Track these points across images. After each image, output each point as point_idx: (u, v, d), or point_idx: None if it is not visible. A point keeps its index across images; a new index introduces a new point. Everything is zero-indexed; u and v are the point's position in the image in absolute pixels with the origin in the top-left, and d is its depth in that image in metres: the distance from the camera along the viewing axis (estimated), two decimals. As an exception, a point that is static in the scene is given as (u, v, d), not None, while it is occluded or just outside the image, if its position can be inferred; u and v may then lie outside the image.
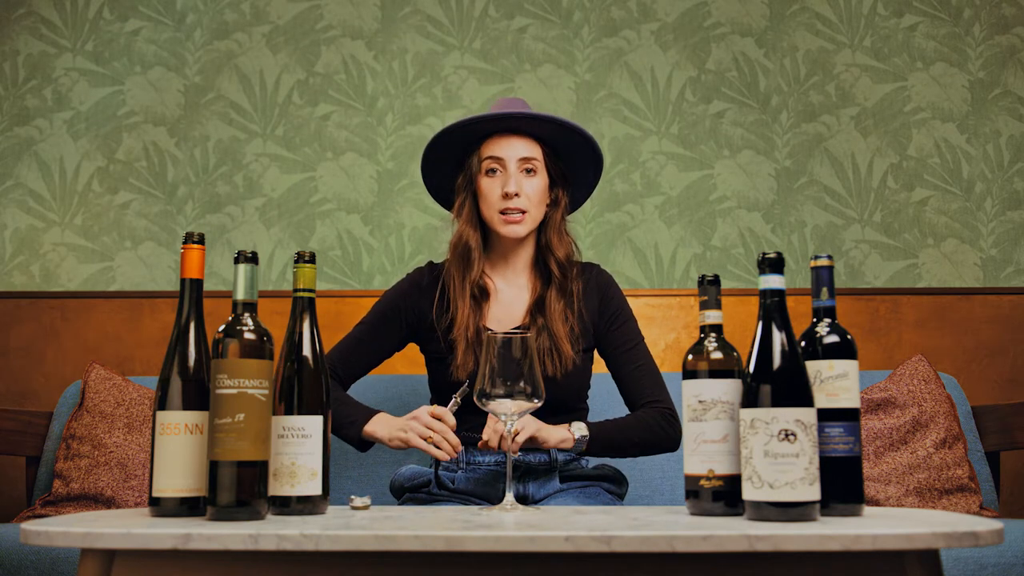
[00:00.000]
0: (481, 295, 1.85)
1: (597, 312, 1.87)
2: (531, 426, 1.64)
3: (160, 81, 2.98)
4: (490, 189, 1.82)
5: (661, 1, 3.02)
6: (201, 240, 1.36)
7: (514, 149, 1.81)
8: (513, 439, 1.57)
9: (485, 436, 1.63)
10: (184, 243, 1.34)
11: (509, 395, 1.38)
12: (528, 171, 1.81)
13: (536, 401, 1.39)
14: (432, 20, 3.01)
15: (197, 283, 1.35)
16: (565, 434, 1.69)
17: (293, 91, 2.97)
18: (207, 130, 2.96)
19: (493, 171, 1.82)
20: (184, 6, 3.02)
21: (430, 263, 1.96)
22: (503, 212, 1.80)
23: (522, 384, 1.38)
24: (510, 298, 1.88)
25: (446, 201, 1.97)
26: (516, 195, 1.78)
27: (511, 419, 1.41)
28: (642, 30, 3.00)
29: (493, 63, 2.98)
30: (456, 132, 1.84)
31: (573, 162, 1.88)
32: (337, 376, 1.89)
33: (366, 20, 3.02)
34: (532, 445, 1.69)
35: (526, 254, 1.89)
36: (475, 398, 1.40)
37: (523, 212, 1.80)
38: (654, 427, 1.79)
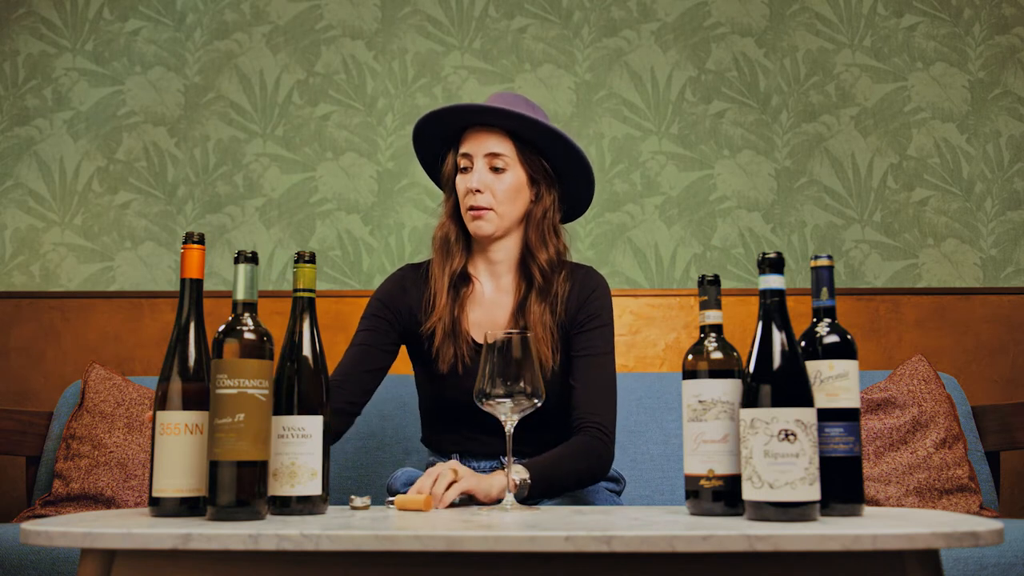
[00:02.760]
0: (461, 282, 1.81)
1: (574, 313, 1.80)
2: (465, 483, 1.49)
3: (160, 81, 2.98)
4: (460, 185, 1.79)
5: (661, 1, 3.02)
6: (201, 240, 1.35)
7: (482, 144, 1.75)
8: (443, 494, 1.46)
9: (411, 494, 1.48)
10: (184, 243, 1.34)
11: (509, 395, 1.38)
12: (496, 169, 1.75)
13: (536, 401, 1.39)
14: (432, 20, 3.02)
15: (197, 283, 1.35)
16: (503, 481, 1.54)
17: (293, 91, 2.97)
18: (207, 130, 2.96)
19: (464, 168, 1.78)
20: (184, 6, 3.02)
21: (409, 264, 1.92)
22: (469, 208, 1.76)
23: (522, 384, 1.38)
24: (494, 302, 1.83)
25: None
26: (478, 191, 1.74)
27: (511, 419, 1.41)
28: (642, 30, 3.00)
29: (493, 63, 2.99)
30: (433, 125, 1.80)
31: (554, 161, 1.82)
32: (340, 408, 1.75)
33: (366, 20, 3.02)
34: (474, 500, 1.56)
35: (509, 254, 1.82)
36: (475, 398, 1.40)
37: (487, 209, 1.75)
38: (588, 453, 1.70)
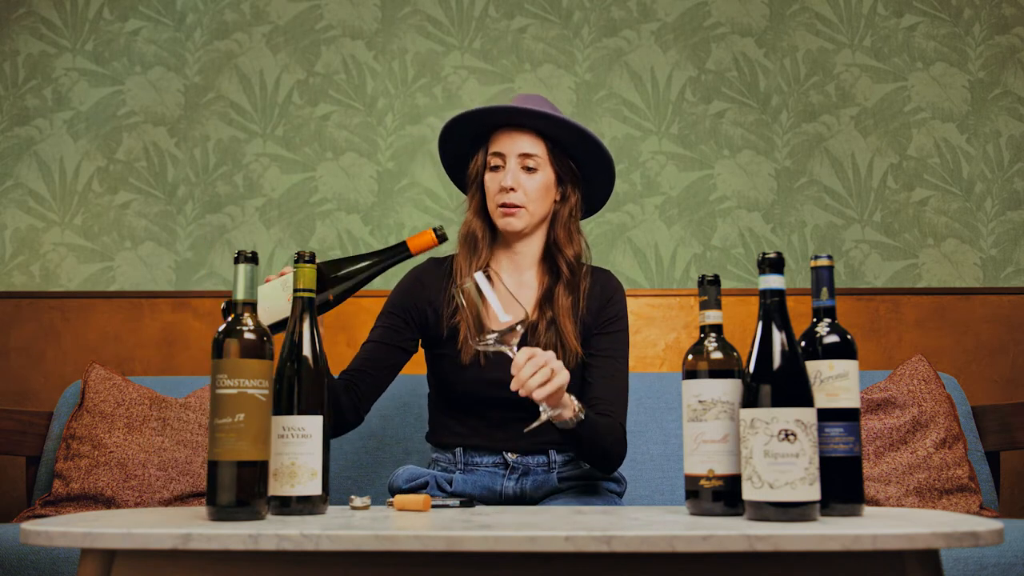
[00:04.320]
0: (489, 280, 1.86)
1: (596, 313, 1.86)
2: (559, 379, 1.52)
3: (160, 81, 2.98)
4: (491, 183, 1.84)
5: (661, 1, 3.02)
6: (443, 237, 1.61)
7: (515, 144, 1.81)
8: (535, 388, 1.50)
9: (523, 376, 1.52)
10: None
11: (493, 332, 1.50)
12: (528, 168, 1.81)
13: (523, 316, 1.51)
14: (432, 20, 3.02)
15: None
16: (572, 411, 1.62)
17: (293, 91, 2.97)
18: (207, 130, 2.96)
19: (496, 167, 1.83)
20: (184, 6, 3.02)
21: (432, 259, 1.97)
22: (500, 205, 1.81)
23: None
24: (515, 295, 1.84)
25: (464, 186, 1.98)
26: (512, 190, 1.80)
27: (512, 349, 1.52)
28: (642, 30, 3.00)
29: (493, 63, 2.99)
30: (464, 124, 1.86)
31: (581, 161, 1.88)
32: (350, 405, 1.80)
33: (366, 20, 3.02)
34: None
35: (533, 250, 1.88)
36: (470, 342, 1.54)
37: (519, 207, 1.80)
38: (616, 434, 1.75)
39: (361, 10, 3.02)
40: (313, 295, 1.36)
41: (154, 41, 3.01)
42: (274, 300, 1.56)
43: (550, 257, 1.88)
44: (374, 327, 1.89)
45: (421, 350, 1.95)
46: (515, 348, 1.53)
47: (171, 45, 3.01)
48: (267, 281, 1.61)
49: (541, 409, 1.55)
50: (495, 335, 1.50)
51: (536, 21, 3.01)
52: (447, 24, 3.01)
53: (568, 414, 1.60)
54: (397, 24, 3.01)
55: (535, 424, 1.56)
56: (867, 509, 1.30)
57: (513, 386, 1.50)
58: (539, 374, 1.49)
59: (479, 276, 1.53)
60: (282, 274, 1.61)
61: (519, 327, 1.51)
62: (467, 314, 1.54)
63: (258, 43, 3.00)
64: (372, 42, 3.01)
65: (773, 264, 1.23)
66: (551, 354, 1.53)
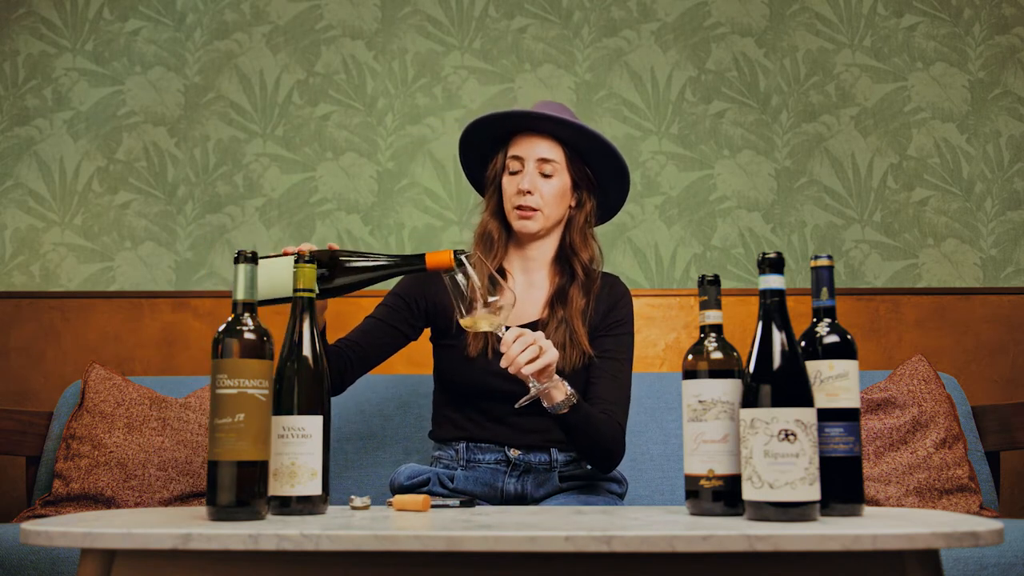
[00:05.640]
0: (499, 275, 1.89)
1: (603, 315, 1.89)
2: (548, 357, 1.57)
3: (160, 81, 2.98)
4: (509, 186, 1.88)
5: (661, 1, 3.02)
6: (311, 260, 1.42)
7: (534, 149, 1.85)
8: (523, 365, 1.55)
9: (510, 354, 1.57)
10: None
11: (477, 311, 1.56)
12: (546, 174, 1.85)
13: (509, 296, 1.59)
14: (432, 20, 3.02)
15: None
16: (562, 389, 1.65)
17: (293, 91, 2.97)
18: (207, 130, 2.96)
19: (515, 170, 1.87)
20: (184, 6, 3.02)
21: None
22: (516, 208, 1.85)
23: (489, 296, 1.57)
24: (524, 296, 1.90)
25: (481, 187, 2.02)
26: (529, 193, 1.83)
27: (502, 328, 1.57)
28: (642, 30, 3.00)
29: (493, 63, 2.99)
30: (484, 127, 1.90)
31: (597, 169, 1.91)
32: (346, 359, 1.84)
33: (366, 20, 3.02)
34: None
35: (545, 252, 1.92)
36: (460, 321, 1.56)
37: (535, 210, 1.84)
38: (613, 429, 1.76)
39: (361, 10, 3.02)
40: (313, 295, 1.36)
41: (154, 41, 3.01)
42: (280, 277, 1.55)
43: (562, 259, 1.91)
44: (379, 305, 1.93)
45: (428, 346, 1.96)
46: (504, 329, 1.58)
47: (171, 45, 3.01)
48: (285, 253, 1.60)
49: (531, 384, 1.58)
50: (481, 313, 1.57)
51: (536, 21, 3.01)
52: (447, 24, 3.01)
53: (559, 396, 1.63)
54: (397, 24, 3.01)
55: (525, 399, 1.60)
56: (867, 509, 1.30)
57: (503, 364, 1.55)
58: (528, 351, 1.55)
59: (458, 272, 1.57)
60: (300, 251, 1.60)
61: (504, 305, 1.57)
62: (454, 300, 1.59)
63: (258, 43, 3.00)
64: (372, 42, 3.01)
65: (773, 264, 1.23)
66: (540, 333, 1.58)
